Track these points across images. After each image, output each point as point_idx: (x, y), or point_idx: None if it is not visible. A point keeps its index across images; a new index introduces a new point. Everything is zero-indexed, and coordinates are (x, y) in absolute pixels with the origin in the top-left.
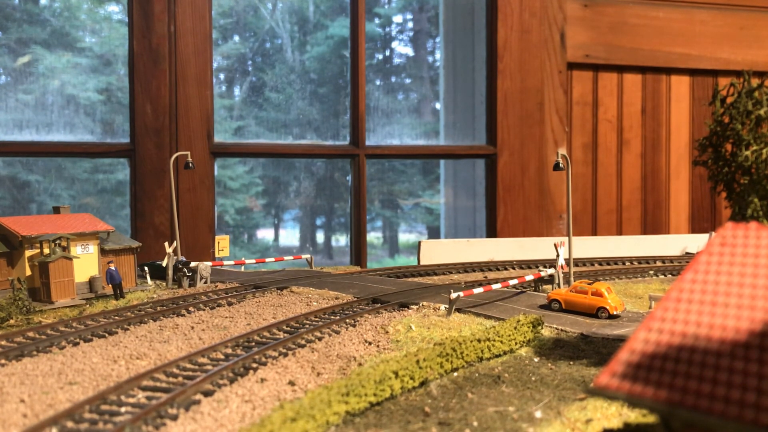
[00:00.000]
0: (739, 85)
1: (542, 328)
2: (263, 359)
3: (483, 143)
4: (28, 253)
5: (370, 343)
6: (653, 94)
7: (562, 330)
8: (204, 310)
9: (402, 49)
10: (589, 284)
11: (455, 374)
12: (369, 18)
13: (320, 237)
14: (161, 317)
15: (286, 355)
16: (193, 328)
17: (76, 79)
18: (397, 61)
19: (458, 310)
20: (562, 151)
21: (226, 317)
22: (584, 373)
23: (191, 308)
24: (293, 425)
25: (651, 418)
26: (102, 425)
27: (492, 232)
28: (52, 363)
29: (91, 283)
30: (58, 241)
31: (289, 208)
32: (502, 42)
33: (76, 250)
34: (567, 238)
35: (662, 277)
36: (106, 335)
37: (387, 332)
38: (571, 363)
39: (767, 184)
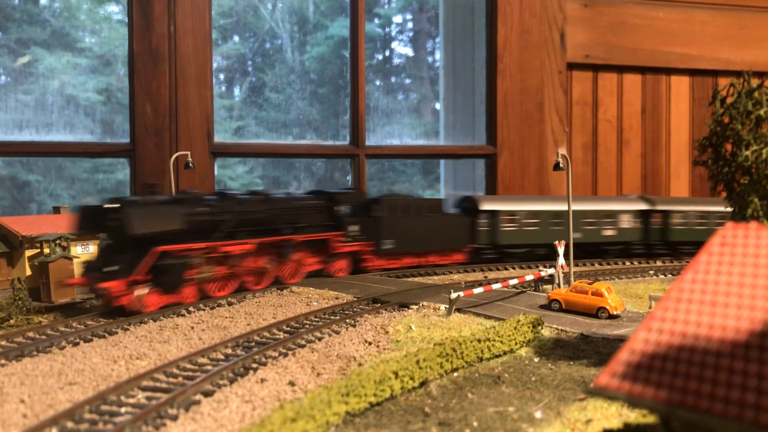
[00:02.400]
0: (739, 86)
1: (542, 328)
2: (263, 359)
3: (483, 143)
4: (28, 253)
5: (370, 344)
6: (653, 94)
7: (562, 330)
8: (204, 310)
9: (402, 49)
10: (589, 284)
11: (455, 374)
12: (369, 18)
13: None
14: (161, 317)
15: (286, 355)
16: (193, 328)
17: (76, 80)
18: (397, 61)
19: (458, 310)
20: (562, 151)
21: (226, 317)
22: (584, 374)
23: (191, 308)
24: (293, 425)
25: (651, 418)
26: (102, 425)
27: None
28: (52, 363)
29: None
30: (58, 241)
31: None
32: (502, 42)
33: (76, 249)
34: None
35: (662, 277)
36: (106, 335)
37: (387, 332)
38: (571, 363)
39: (767, 184)
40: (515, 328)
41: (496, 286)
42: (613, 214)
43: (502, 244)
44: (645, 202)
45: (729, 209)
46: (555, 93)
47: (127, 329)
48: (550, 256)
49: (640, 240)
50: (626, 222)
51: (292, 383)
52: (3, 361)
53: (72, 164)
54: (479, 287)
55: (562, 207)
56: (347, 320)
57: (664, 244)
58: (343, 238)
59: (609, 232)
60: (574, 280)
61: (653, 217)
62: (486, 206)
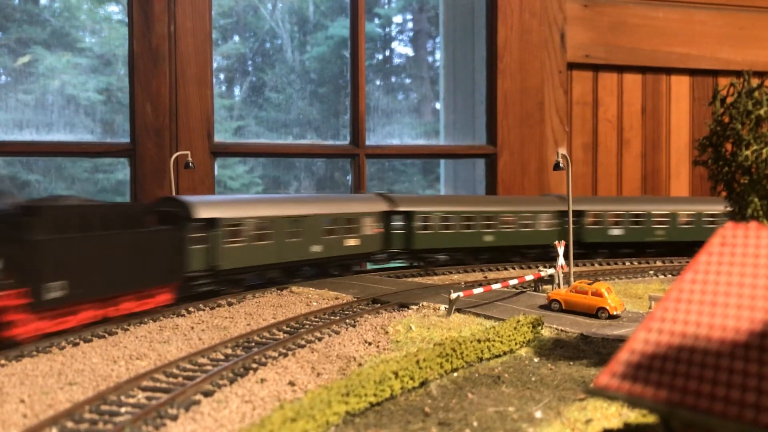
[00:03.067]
0: (739, 85)
1: (542, 329)
2: (263, 360)
3: (483, 143)
4: None
5: (370, 344)
6: (653, 94)
7: (562, 330)
8: (204, 310)
9: (402, 49)
10: (589, 284)
11: (455, 374)
12: (369, 18)
13: None
14: (161, 317)
15: (286, 355)
16: (193, 328)
17: (76, 79)
18: (397, 61)
19: (458, 311)
20: (562, 151)
21: (226, 317)
22: (584, 374)
23: (191, 308)
24: (293, 425)
25: (651, 418)
26: (102, 425)
27: None
28: (52, 363)
29: None
30: None
31: None
32: (502, 42)
33: None
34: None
35: (662, 277)
36: (106, 336)
37: (387, 332)
38: (571, 363)
39: (767, 184)
40: (515, 328)
41: (495, 287)
42: (355, 219)
43: (225, 269)
44: (386, 201)
45: (497, 208)
46: (555, 93)
47: (127, 330)
48: (284, 283)
49: (382, 249)
50: (368, 228)
51: (292, 383)
52: (3, 361)
53: (72, 164)
54: (479, 287)
55: (303, 210)
56: (347, 320)
57: (407, 253)
58: None
59: (352, 242)
60: (574, 281)
61: (394, 220)
62: (202, 213)
